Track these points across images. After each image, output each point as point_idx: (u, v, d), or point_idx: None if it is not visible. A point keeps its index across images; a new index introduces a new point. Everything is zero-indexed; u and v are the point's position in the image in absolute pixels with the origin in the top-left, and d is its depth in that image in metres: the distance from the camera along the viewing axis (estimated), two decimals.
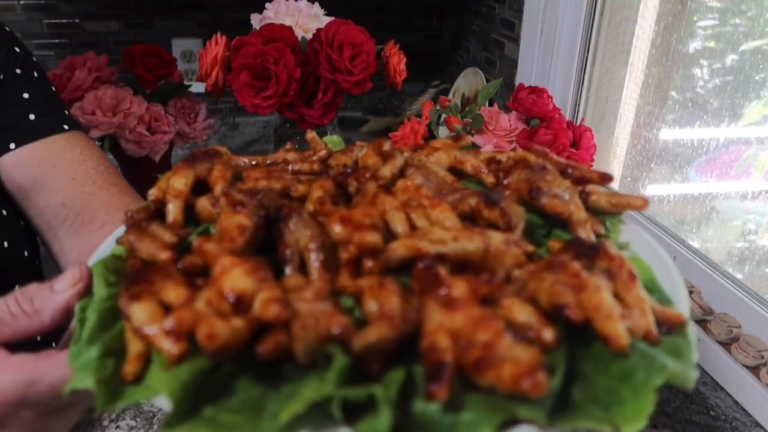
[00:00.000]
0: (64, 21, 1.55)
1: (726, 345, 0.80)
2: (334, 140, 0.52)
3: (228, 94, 1.00)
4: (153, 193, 0.40)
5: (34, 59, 0.72)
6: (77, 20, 1.55)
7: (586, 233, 0.37)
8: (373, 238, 0.33)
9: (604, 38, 1.14)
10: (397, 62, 1.04)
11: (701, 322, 0.84)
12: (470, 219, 0.37)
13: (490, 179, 0.42)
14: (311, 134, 0.49)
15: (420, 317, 0.28)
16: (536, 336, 0.27)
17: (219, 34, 0.99)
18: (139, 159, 1.10)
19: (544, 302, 0.29)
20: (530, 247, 0.33)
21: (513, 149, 0.46)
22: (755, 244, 0.92)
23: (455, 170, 0.45)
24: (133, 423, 0.83)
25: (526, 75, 1.25)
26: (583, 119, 1.20)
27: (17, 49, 0.69)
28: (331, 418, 0.26)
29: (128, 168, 1.13)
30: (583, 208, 0.38)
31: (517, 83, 1.05)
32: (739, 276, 0.85)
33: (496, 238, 0.33)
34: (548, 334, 0.27)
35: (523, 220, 0.36)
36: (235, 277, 0.29)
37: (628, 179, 1.16)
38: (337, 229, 0.33)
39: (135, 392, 0.28)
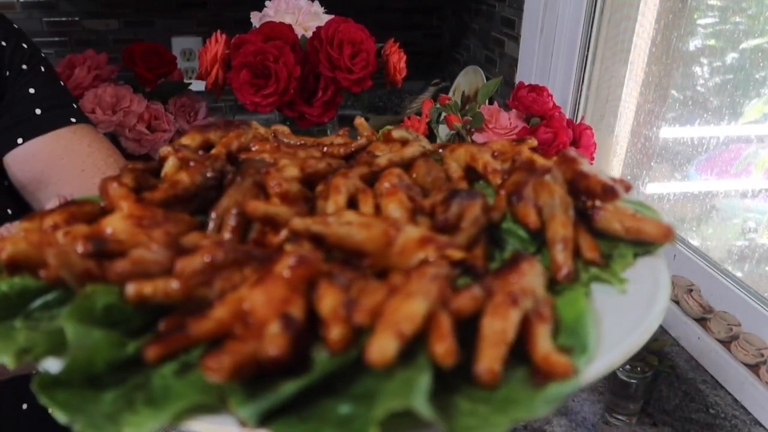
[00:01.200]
0: (63, 19, 1.55)
1: (726, 343, 0.80)
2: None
3: (228, 93, 1.00)
4: (163, 150, 0.42)
5: (43, 55, 0.72)
6: (77, 18, 1.55)
7: (563, 254, 0.32)
8: (272, 209, 0.33)
9: (604, 36, 1.14)
10: (397, 60, 1.04)
11: (701, 321, 0.84)
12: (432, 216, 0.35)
13: (497, 180, 0.39)
14: (359, 120, 0.49)
15: (225, 286, 0.28)
16: (324, 332, 0.26)
17: (219, 32, 0.99)
18: (139, 157, 1.10)
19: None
20: (457, 254, 0.30)
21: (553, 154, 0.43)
22: (755, 243, 0.92)
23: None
24: None
25: (526, 73, 1.25)
26: (583, 117, 1.20)
27: (24, 45, 0.69)
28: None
29: None
30: (570, 225, 0.33)
31: (517, 81, 1.04)
32: (738, 274, 0.85)
33: (410, 233, 0.31)
34: (333, 332, 0.25)
35: (475, 226, 0.33)
36: (112, 219, 0.31)
37: (628, 178, 1.16)
38: (253, 202, 0.34)
39: None
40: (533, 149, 0.42)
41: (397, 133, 0.44)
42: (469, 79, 1.44)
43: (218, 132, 0.43)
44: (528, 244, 0.35)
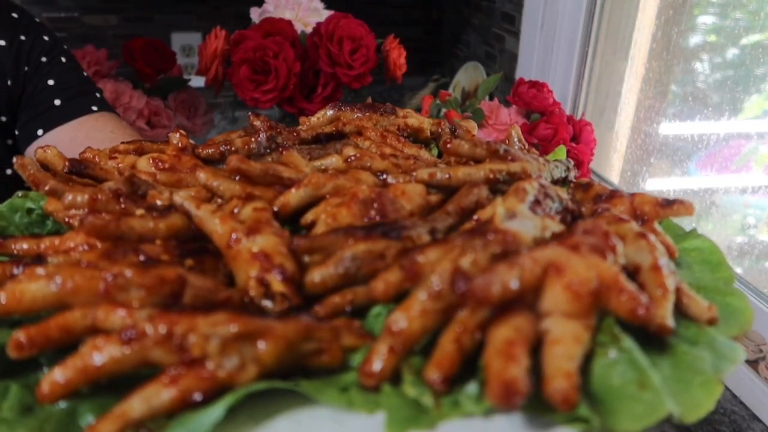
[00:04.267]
0: (63, 15, 1.54)
1: None
2: (561, 152, 0.54)
3: (228, 88, 1.00)
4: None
5: (65, 46, 0.72)
6: (76, 14, 1.55)
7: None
8: (212, 182, 0.39)
9: (605, 32, 1.14)
10: (397, 56, 1.04)
11: None
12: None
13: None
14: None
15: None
16: None
17: (218, 28, 0.99)
18: None
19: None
20: (278, 286, 0.31)
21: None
22: (755, 239, 0.92)
23: None
24: None
25: (526, 69, 1.25)
26: (583, 114, 1.20)
27: (45, 38, 0.70)
28: None
29: None
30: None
31: (517, 77, 1.04)
32: (738, 270, 0.85)
33: (252, 244, 0.32)
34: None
35: (340, 265, 0.31)
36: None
37: (628, 173, 1.16)
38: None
39: None
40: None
41: (501, 147, 0.41)
42: (469, 75, 1.43)
43: (355, 111, 0.51)
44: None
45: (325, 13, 1.02)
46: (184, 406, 0.25)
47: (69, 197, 0.35)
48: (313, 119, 0.52)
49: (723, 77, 0.95)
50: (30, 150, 0.67)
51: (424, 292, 0.28)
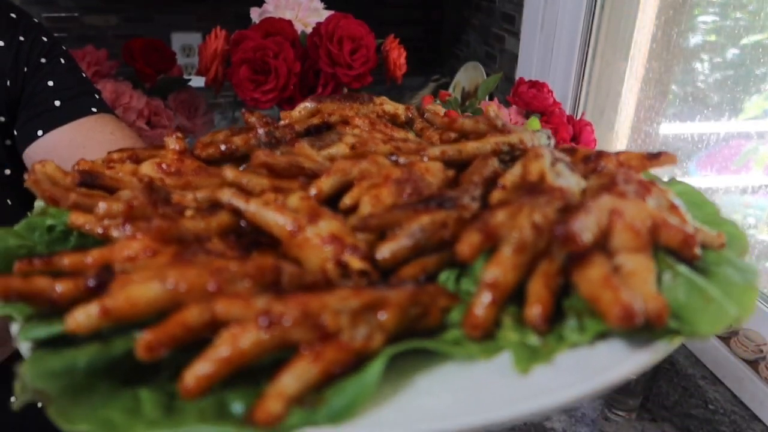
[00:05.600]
0: (63, 15, 1.54)
1: (725, 339, 0.80)
2: (534, 124, 0.55)
3: (228, 89, 1.00)
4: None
5: (63, 47, 0.72)
6: (76, 14, 1.55)
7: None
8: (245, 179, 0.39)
9: (605, 32, 1.14)
10: (397, 56, 1.04)
11: None
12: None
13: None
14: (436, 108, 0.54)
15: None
16: None
17: (218, 28, 0.99)
18: None
19: None
20: (357, 264, 0.33)
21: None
22: (755, 239, 0.92)
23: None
24: None
25: (526, 69, 1.25)
26: (583, 113, 1.20)
27: (44, 39, 0.69)
28: None
29: None
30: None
31: (517, 77, 1.04)
32: None
33: (321, 229, 0.33)
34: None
35: (412, 238, 0.34)
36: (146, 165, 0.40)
37: None
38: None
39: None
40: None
41: (499, 121, 0.46)
42: (469, 75, 1.43)
43: (335, 102, 0.50)
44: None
45: (325, 13, 1.02)
46: (328, 379, 0.27)
47: (103, 207, 0.35)
48: (295, 113, 0.53)
49: (723, 77, 0.95)
50: (30, 150, 0.67)
51: (509, 248, 0.31)
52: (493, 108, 0.52)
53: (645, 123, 1.11)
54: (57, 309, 0.30)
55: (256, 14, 1.04)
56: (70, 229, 0.39)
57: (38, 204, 0.42)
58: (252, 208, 0.35)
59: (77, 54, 1.09)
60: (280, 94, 0.92)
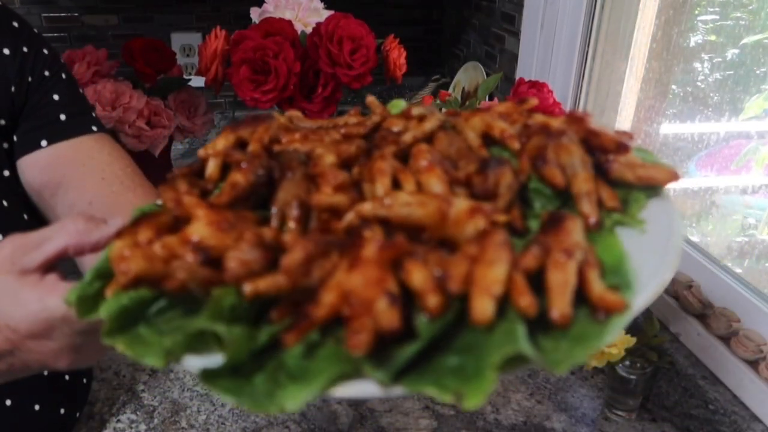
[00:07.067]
0: (62, 15, 1.54)
1: (725, 339, 0.80)
2: (399, 104, 0.53)
3: (227, 89, 1.00)
4: (201, 152, 0.44)
5: (62, 61, 0.73)
6: (76, 14, 1.55)
7: (589, 206, 0.36)
8: (334, 199, 0.36)
9: (605, 32, 1.14)
10: (397, 56, 1.04)
11: (701, 317, 0.84)
12: (468, 185, 0.38)
13: (515, 145, 0.41)
14: (371, 98, 0.50)
15: (323, 274, 0.31)
16: (421, 302, 0.29)
17: (218, 28, 0.99)
18: (139, 153, 1.10)
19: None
20: (501, 217, 0.33)
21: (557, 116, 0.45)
22: (755, 239, 0.92)
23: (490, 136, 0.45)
24: (133, 417, 0.83)
25: (526, 69, 1.25)
26: None
27: (45, 51, 0.70)
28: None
29: None
30: (592, 180, 0.37)
31: (517, 77, 1.04)
32: (738, 270, 0.85)
33: (460, 205, 0.33)
34: (431, 301, 0.29)
35: (510, 191, 0.36)
36: (196, 227, 0.34)
37: None
38: (316, 195, 0.37)
39: (100, 309, 0.33)
40: (535, 109, 0.45)
41: (416, 111, 0.46)
42: (469, 75, 1.43)
43: (248, 128, 0.46)
44: (553, 201, 0.38)
45: (325, 13, 1.02)
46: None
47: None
48: (219, 144, 0.46)
49: (723, 77, 0.95)
50: (29, 158, 0.67)
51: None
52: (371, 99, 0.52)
53: (645, 123, 1.11)
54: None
55: (256, 14, 1.04)
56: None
57: None
58: (404, 211, 0.34)
59: (77, 54, 1.09)
60: (280, 94, 0.92)
